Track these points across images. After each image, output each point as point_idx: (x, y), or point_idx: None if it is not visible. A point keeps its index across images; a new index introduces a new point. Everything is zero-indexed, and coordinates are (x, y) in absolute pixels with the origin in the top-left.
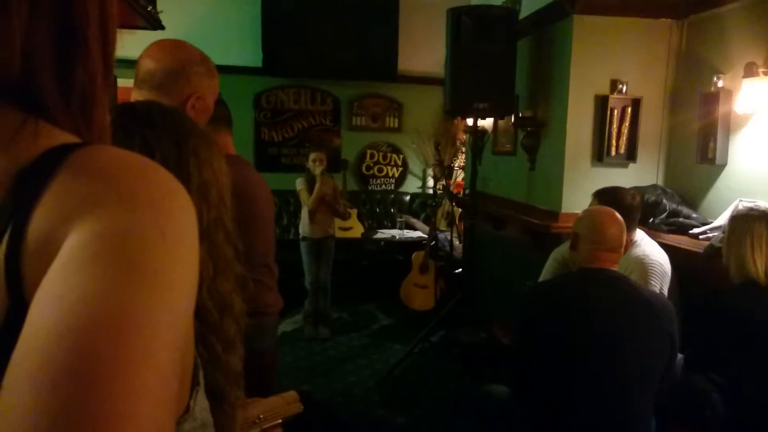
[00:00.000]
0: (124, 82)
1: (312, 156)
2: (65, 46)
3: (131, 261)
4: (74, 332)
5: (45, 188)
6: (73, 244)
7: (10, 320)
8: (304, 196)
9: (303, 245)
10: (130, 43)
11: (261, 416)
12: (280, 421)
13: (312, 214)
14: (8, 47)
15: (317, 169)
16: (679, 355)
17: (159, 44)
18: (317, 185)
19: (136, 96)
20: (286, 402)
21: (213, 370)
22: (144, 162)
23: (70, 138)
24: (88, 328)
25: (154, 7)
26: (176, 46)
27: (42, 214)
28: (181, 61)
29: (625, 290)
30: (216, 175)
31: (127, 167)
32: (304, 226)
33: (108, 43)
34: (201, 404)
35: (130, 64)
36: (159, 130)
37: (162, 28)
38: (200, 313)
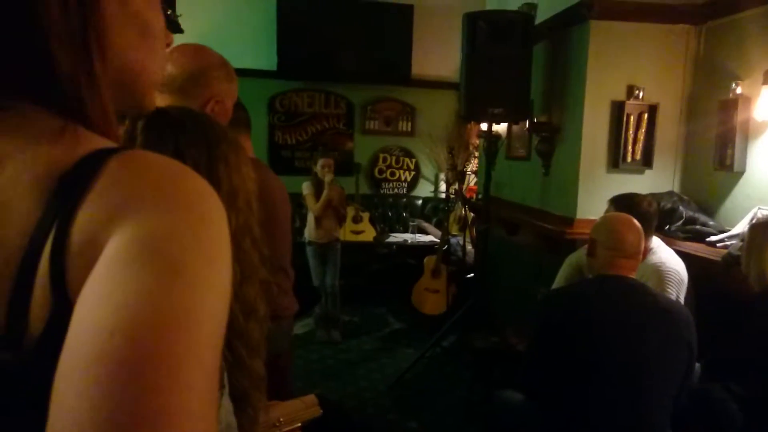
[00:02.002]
0: None
1: (321, 162)
2: (29, 50)
3: (173, 262)
4: (124, 328)
5: (87, 191)
6: (116, 246)
7: (54, 317)
8: (311, 201)
9: (309, 250)
10: None
11: (281, 420)
12: (299, 424)
13: (318, 219)
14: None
15: (327, 176)
16: (697, 364)
17: (180, 49)
18: (325, 191)
19: (157, 100)
20: (306, 405)
21: (238, 374)
22: (179, 167)
23: (108, 143)
24: (137, 325)
25: (174, 11)
26: (197, 50)
27: (85, 216)
28: (201, 66)
29: (644, 298)
30: (244, 181)
31: (164, 172)
32: (309, 231)
33: (88, 39)
34: (226, 407)
35: None
36: (191, 137)
37: (181, 31)
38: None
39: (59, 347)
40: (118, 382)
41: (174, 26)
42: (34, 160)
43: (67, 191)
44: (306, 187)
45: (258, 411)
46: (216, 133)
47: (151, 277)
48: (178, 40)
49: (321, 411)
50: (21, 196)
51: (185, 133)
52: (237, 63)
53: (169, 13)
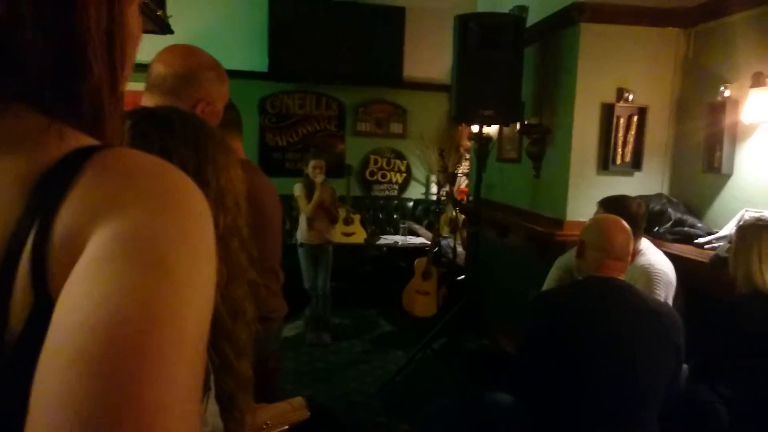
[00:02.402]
0: (134, 86)
1: (312, 163)
2: (65, 61)
3: (156, 259)
4: (107, 324)
5: (70, 187)
6: (99, 243)
7: (35, 314)
8: (302, 203)
9: (301, 251)
10: (140, 47)
11: (268, 422)
12: (287, 427)
13: (310, 220)
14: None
15: (318, 177)
16: (684, 366)
17: (171, 49)
18: (317, 192)
19: (146, 100)
20: (293, 408)
21: (224, 376)
22: (163, 164)
23: (91, 141)
24: (120, 320)
25: (164, 11)
26: (188, 51)
27: (67, 212)
28: (192, 67)
29: (633, 300)
30: (232, 181)
31: (148, 169)
32: (302, 233)
33: (116, 54)
34: (211, 409)
35: (139, 67)
36: (178, 137)
37: (171, 32)
38: (213, 319)
39: (40, 344)
40: (100, 377)
41: (164, 27)
42: (18, 159)
43: (49, 188)
44: (297, 189)
45: (245, 413)
46: (204, 133)
47: (133, 273)
48: (168, 41)
49: (309, 413)
50: (3, 193)
51: (172, 134)
52: (228, 64)
53: (159, 14)
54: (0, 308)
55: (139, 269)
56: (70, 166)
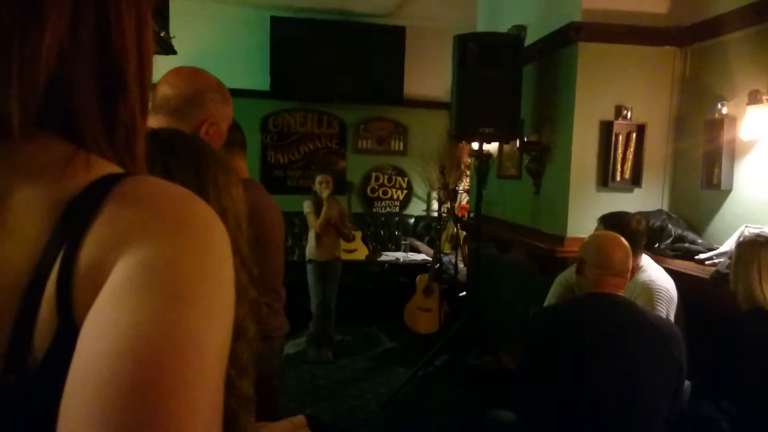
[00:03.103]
0: None
1: (318, 178)
2: (107, 83)
3: (180, 287)
4: (133, 352)
5: (95, 216)
6: (123, 271)
7: (59, 340)
8: (311, 219)
9: (309, 267)
10: None
11: None
12: None
13: (319, 236)
14: (33, 79)
15: (324, 192)
16: (687, 383)
17: (176, 71)
18: (324, 208)
19: (152, 121)
20: (295, 426)
21: (226, 394)
22: (186, 193)
23: (116, 169)
24: (146, 349)
25: (167, 32)
26: (193, 73)
27: (92, 240)
28: (196, 88)
29: (633, 315)
30: (233, 201)
31: (169, 197)
32: (310, 249)
33: (145, 78)
34: None
35: None
36: (180, 159)
37: (174, 52)
38: None
39: (63, 370)
40: (129, 404)
41: (168, 48)
42: (46, 186)
43: (75, 216)
44: (307, 206)
45: None
46: (205, 154)
47: (158, 302)
48: (171, 61)
49: None
50: (31, 221)
51: (175, 155)
52: (230, 83)
53: (162, 34)
54: (25, 333)
55: (163, 298)
56: (96, 194)
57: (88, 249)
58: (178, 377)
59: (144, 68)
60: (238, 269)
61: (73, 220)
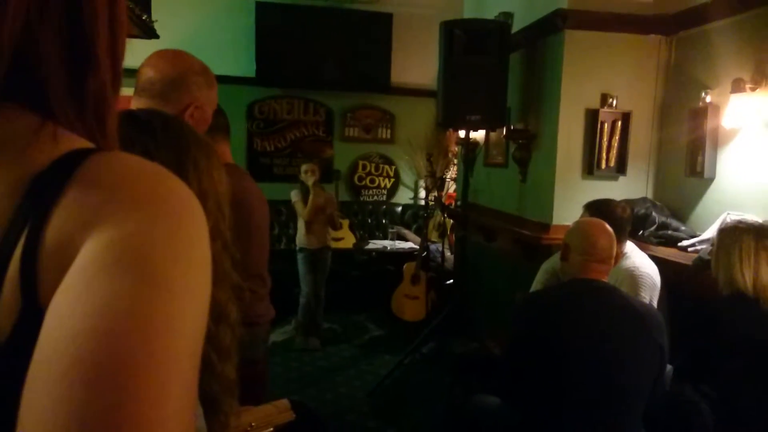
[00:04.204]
0: (123, 90)
1: (304, 167)
2: (75, 55)
3: (150, 267)
4: (100, 334)
5: (62, 193)
6: (91, 251)
7: (23, 322)
8: (299, 207)
9: (300, 257)
10: (126, 52)
11: (252, 424)
12: (271, 429)
13: (309, 225)
14: None
15: (310, 180)
16: (669, 366)
17: (160, 54)
18: (311, 196)
19: (135, 104)
20: (278, 410)
21: (208, 378)
22: (160, 170)
23: (85, 143)
24: (114, 331)
25: (149, 16)
26: (177, 56)
27: (59, 218)
28: (181, 71)
29: (616, 301)
30: (214, 184)
31: (142, 174)
32: (300, 238)
33: (117, 51)
34: (196, 412)
35: (127, 72)
36: (159, 140)
37: (156, 36)
38: None
39: (27, 352)
40: (94, 387)
41: (150, 32)
42: (8, 161)
43: (41, 192)
44: (294, 195)
45: (229, 416)
46: (185, 136)
47: (128, 282)
48: (153, 45)
49: (294, 415)
50: None
51: (154, 137)
52: (215, 69)
53: (144, 18)
54: None
55: (132, 279)
56: (64, 170)
57: (55, 227)
58: (147, 361)
59: (116, 42)
60: (220, 253)
61: (38, 196)
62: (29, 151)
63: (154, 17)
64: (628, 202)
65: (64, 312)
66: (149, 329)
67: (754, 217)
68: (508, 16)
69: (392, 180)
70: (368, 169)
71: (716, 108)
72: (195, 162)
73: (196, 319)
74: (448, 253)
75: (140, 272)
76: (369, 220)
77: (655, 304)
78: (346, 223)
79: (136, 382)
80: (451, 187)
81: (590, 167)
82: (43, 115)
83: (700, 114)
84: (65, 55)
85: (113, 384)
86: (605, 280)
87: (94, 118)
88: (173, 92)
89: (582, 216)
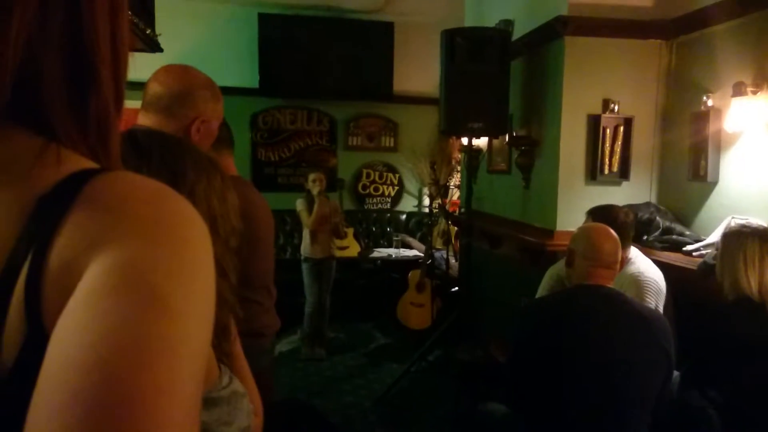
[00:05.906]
0: (129, 104)
1: (311, 176)
2: (77, 73)
3: (154, 292)
4: (101, 365)
5: (67, 215)
6: (95, 274)
7: (28, 346)
8: (304, 216)
9: (305, 266)
10: (131, 66)
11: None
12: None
13: (314, 234)
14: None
15: (315, 189)
16: (675, 372)
17: (166, 69)
18: (316, 205)
19: (142, 119)
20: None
21: None
22: (165, 190)
23: (89, 164)
24: (115, 361)
25: (153, 30)
26: (183, 71)
27: (63, 241)
28: (187, 86)
29: (622, 306)
30: (213, 210)
31: (147, 195)
32: (305, 247)
33: (119, 69)
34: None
35: (132, 86)
36: (154, 165)
37: (160, 50)
38: None
39: (32, 376)
40: (96, 422)
41: (153, 46)
42: (12, 183)
43: (44, 215)
44: (299, 203)
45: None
46: (184, 161)
47: (131, 308)
48: (157, 59)
49: None
50: None
51: (150, 161)
52: (219, 81)
53: (148, 32)
54: None
55: (137, 304)
56: (68, 192)
57: (59, 251)
58: (149, 392)
59: (118, 59)
60: (218, 281)
61: (42, 219)
62: (33, 172)
63: (157, 31)
64: (631, 207)
65: (67, 339)
66: (152, 358)
67: (758, 220)
68: (508, 23)
69: (396, 188)
70: (372, 177)
71: (718, 112)
72: (192, 190)
73: (199, 341)
74: (452, 261)
75: (143, 297)
76: (373, 229)
77: (661, 309)
78: (350, 231)
79: (137, 414)
80: (455, 195)
81: (593, 173)
82: (45, 136)
83: (702, 118)
84: (66, 74)
85: (113, 417)
86: (611, 285)
87: (96, 138)
88: (180, 107)
89: (586, 222)
